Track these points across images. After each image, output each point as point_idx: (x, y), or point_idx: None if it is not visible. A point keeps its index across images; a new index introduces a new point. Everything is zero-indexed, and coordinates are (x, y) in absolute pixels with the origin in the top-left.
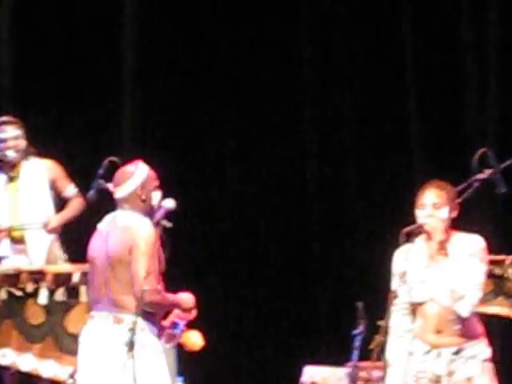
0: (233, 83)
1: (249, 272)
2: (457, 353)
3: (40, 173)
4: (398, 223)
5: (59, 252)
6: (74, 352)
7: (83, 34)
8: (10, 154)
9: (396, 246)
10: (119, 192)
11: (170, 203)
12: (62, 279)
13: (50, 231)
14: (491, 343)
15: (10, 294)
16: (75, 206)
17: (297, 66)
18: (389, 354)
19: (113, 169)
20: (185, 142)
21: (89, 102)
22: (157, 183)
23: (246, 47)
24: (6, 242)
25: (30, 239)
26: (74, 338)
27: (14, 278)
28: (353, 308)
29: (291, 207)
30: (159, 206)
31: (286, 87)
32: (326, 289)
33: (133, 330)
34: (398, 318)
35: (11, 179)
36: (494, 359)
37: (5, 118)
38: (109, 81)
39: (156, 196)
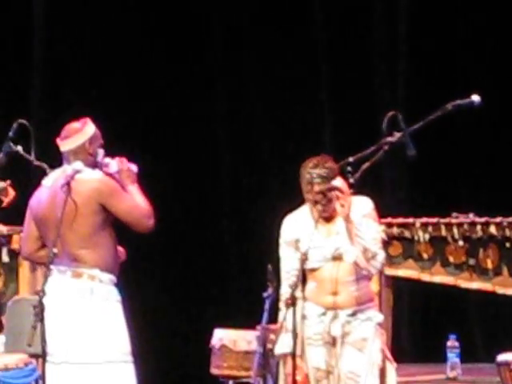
0: None
1: (159, 236)
2: (353, 315)
3: None
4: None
5: None
6: None
7: None
8: None
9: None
10: (68, 144)
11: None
12: None
13: None
14: (400, 304)
15: None
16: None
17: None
18: (282, 320)
19: (22, 131)
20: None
21: None
22: (102, 141)
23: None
24: None
25: None
26: None
27: None
28: (263, 271)
29: (203, 176)
30: (102, 163)
31: None
32: (236, 252)
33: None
34: (287, 286)
35: None
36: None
37: None
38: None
39: (101, 153)
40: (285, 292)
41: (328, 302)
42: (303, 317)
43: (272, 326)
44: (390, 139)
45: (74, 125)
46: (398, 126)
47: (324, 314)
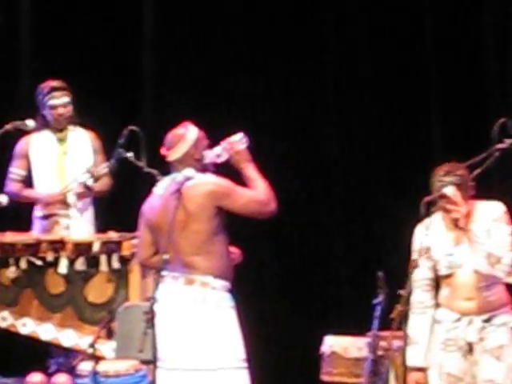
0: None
1: (271, 240)
2: (487, 320)
3: (85, 141)
4: (417, 194)
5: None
6: (93, 321)
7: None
8: (59, 120)
9: (416, 215)
10: (173, 154)
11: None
12: (82, 248)
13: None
14: None
15: (31, 264)
16: (104, 183)
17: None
18: (410, 330)
19: (133, 138)
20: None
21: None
22: (207, 142)
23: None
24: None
25: (73, 204)
26: (94, 307)
27: (34, 248)
28: (373, 277)
29: (313, 182)
30: (212, 160)
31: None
32: (346, 258)
33: (152, 299)
34: (418, 295)
35: (59, 141)
36: None
37: (55, 84)
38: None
39: (207, 155)
40: (415, 301)
41: (462, 308)
42: (436, 322)
43: (383, 333)
44: (500, 146)
45: (176, 132)
46: (509, 133)
47: (459, 319)
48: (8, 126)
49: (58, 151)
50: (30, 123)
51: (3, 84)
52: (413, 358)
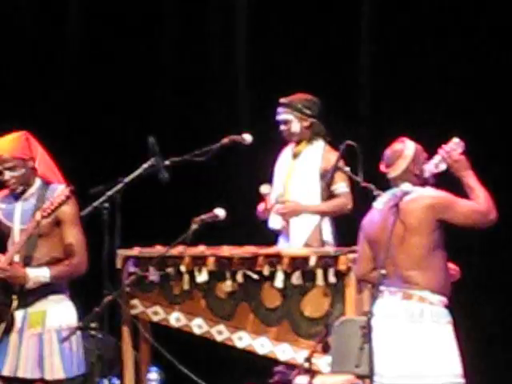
0: None
1: (484, 255)
2: None
3: (316, 159)
4: None
5: (325, 236)
6: (309, 335)
7: None
8: (284, 136)
9: None
10: (392, 172)
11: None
12: (298, 263)
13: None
14: None
15: (247, 277)
16: (337, 203)
17: None
18: None
19: (350, 153)
20: None
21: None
22: (425, 155)
23: None
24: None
25: (293, 220)
26: (310, 321)
27: (250, 261)
28: None
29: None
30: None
31: None
32: None
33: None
34: None
35: (294, 156)
36: None
37: (281, 100)
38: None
39: (427, 169)
40: None
41: None
42: None
43: None
44: None
45: (394, 148)
46: None
47: None
48: (225, 140)
49: (289, 166)
50: (247, 137)
51: (224, 98)
52: None
